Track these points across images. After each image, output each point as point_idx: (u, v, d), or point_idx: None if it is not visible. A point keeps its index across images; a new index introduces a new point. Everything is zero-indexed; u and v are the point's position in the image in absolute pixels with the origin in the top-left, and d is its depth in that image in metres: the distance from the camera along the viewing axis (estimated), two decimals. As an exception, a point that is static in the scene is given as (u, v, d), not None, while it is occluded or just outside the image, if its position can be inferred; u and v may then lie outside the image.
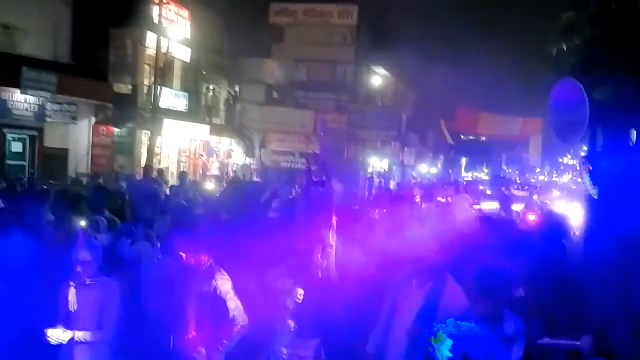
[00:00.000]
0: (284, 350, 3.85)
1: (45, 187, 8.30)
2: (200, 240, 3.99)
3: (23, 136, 14.09)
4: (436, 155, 34.60)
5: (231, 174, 19.50)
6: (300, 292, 3.82)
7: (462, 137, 32.71)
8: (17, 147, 14.05)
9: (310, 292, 3.80)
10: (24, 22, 13.91)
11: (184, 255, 3.82)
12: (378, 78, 26.85)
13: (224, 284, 3.74)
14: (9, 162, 13.41)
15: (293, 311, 3.83)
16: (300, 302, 3.82)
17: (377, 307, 3.75)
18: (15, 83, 13.02)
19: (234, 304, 3.70)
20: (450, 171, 34.47)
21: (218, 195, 9.73)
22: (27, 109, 13.88)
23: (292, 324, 3.82)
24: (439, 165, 35.14)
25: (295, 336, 3.84)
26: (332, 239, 4.08)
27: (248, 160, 21.83)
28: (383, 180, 23.16)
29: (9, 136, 13.82)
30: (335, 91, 23.60)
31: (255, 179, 19.13)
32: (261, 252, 4.20)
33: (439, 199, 13.35)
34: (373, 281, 4.11)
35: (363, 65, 25.13)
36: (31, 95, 13.56)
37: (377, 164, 26.64)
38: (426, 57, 23.05)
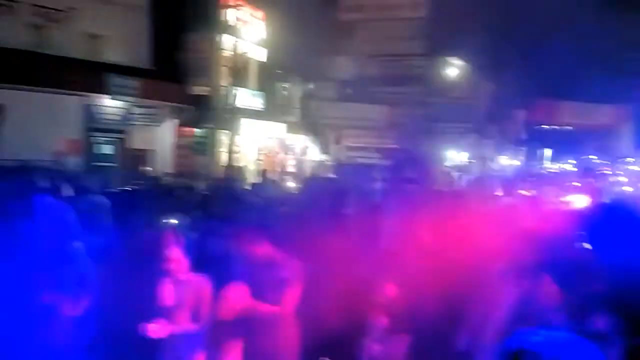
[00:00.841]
0: (375, 346, 3.80)
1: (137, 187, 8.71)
2: (281, 236, 4.03)
3: (111, 139, 14.93)
4: (517, 147, 33.27)
5: (307, 171, 19.68)
6: (391, 287, 3.75)
7: (545, 126, 31.22)
8: (106, 149, 14.92)
9: (401, 288, 3.72)
10: (107, 31, 14.68)
11: (267, 251, 3.87)
12: (453, 69, 26.14)
13: (297, 273, 3.80)
14: (99, 163, 14.23)
15: (384, 307, 3.77)
16: (391, 298, 3.75)
17: (467, 304, 3.62)
18: (103, 89, 13.81)
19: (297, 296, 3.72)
20: (534, 163, 32.97)
21: (297, 192, 9.81)
22: (114, 114, 14.69)
23: (382, 319, 3.76)
24: (521, 157, 33.72)
25: (386, 332, 3.78)
26: (422, 234, 3.98)
27: (323, 157, 21.93)
28: (462, 174, 22.53)
29: (99, 139, 14.68)
30: (409, 84, 23.23)
31: (330, 175, 19.18)
32: (344, 247, 4.16)
33: (522, 192, 12.78)
34: (463, 277, 3.97)
35: (436, 56, 24.55)
36: (117, 100, 14.32)
37: (454, 157, 25.97)
38: (503, 44, 22.17)
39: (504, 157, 31.60)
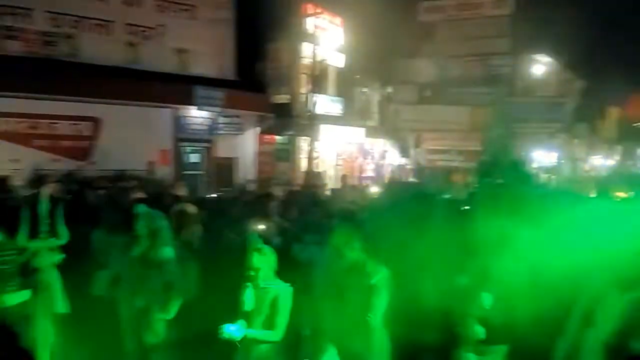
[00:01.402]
0: (470, 357, 3.67)
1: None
2: (365, 239, 3.99)
3: (198, 148, 15.60)
4: (611, 146, 31.18)
5: (386, 175, 19.52)
6: (487, 296, 3.59)
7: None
8: (194, 158, 15.60)
9: (498, 297, 3.56)
10: (194, 45, 15.36)
11: (349, 255, 3.85)
12: (539, 67, 24.97)
13: (385, 281, 3.74)
14: (187, 172, 14.88)
15: (479, 316, 3.62)
16: (487, 307, 3.60)
17: (567, 314, 3.41)
18: (190, 101, 14.47)
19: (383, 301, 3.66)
20: (629, 162, 30.74)
21: (378, 197, 9.73)
22: (201, 124, 15.35)
23: (478, 330, 3.62)
24: (616, 156, 31.56)
25: (482, 342, 3.63)
26: (517, 238, 3.79)
27: (403, 161, 21.67)
28: (551, 176, 21.44)
29: (187, 149, 15.38)
30: (492, 84, 22.45)
31: (411, 178, 18.92)
32: (431, 254, 4.06)
33: (618, 194, 11.92)
34: (563, 286, 3.74)
35: (521, 54, 23.56)
36: (204, 110, 14.94)
37: (543, 158, 24.76)
38: (593, 39, 20.90)
39: (597, 157, 29.73)
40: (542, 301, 3.57)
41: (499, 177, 4.55)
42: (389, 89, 22.73)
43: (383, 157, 21.31)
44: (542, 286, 3.67)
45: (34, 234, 3.67)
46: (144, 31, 14.64)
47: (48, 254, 3.63)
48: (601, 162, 29.46)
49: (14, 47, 12.65)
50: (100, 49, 13.57)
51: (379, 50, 19.64)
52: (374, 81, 21.68)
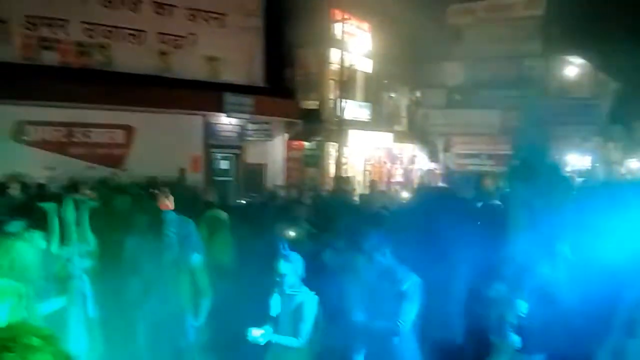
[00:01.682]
0: None
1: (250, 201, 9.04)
2: (396, 245, 3.97)
3: (228, 154, 15.77)
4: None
5: (415, 180, 19.38)
6: (523, 304, 3.52)
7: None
8: (224, 164, 15.78)
9: (535, 305, 3.48)
10: (224, 53, 15.56)
11: (383, 263, 3.83)
12: (572, 68, 24.46)
13: (416, 287, 3.71)
14: (217, 178, 15.05)
15: (515, 325, 3.55)
16: (523, 315, 3.52)
17: (608, 322, 3.31)
18: (221, 108, 14.66)
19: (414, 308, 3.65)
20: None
21: (407, 202, 9.66)
22: (230, 130, 15.52)
23: (514, 338, 3.54)
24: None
25: (518, 351, 3.56)
26: (556, 245, 3.71)
27: (432, 165, 21.49)
28: (585, 180, 20.92)
29: (218, 155, 15.56)
30: (524, 87, 22.08)
31: (440, 184, 18.73)
32: (464, 260, 4.01)
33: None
34: (603, 292, 3.64)
35: (554, 56, 23.12)
36: (233, 117, 15.11)
37: (577, 161, 24.20)
38: (628, 39, 20.35)
39: (633, 160, 28.88)
40: (581, 308, 3.48)
41: (534, 182, 4.44)
42: (418, 93, 22.60)
43: (412, 161, 21.17)
44: (582, 293, 3.59)
45: (64, 241, 3.77)
46: (175, 40, 14.90)
47: (79, 261, 3.71)
48: (638, 166, 28.61)
49: (51, 58, 13.04)
50: (133, 58, 13.87)
51: (407, 55, 19.56)
52: (402, 86, 21.59)
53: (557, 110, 21.44)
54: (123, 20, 14.01)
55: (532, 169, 4.87)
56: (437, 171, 20.80)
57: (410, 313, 3.73)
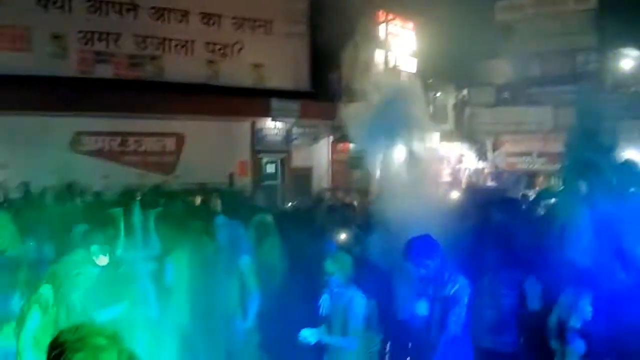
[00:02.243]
0: None
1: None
2: (445, 247, 3.94)
3: (275, 159, 15.97)
4: None
5: (463, 180, 19.03)
6: (588, 308, 3.40)
7: None
8: (270, 168, 15.99)
9: (601, 308, 3.35)
10: (269, 59, 15.78)
11: (433, 266, 3.81)
12: (628, 61, 23.45)
13: (464, 290, 3.67)
14: (265, 182, 15.27)
15: (580, 330, 3.43)
16: (589, 319, 3.40)
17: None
18: (267, 113, 14.88)
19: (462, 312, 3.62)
20: None
21: (456, 203, 9.53)
22: (276, 135, 15.72)
23: (579, 344, 3.42)
24: None
25: (584, 357, 3.44)
26: (623, 246, 3.57)
27: (480, 165, 21.06)
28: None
29: (264, 160, 15.80)
30: (576, 82, 21.34)
31: (490, 183, 18.34)
32: (518, 262, 3.92)
33: None
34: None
35: (609, 50, 22.23)
36: (279, 122, 15.30)
37: (635, 157, 23.11)
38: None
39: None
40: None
41: (597, 179, 4.26)
42: (464, 92, 22.20)
43: (459, 161, 20.81)
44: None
45: (129, 244, 3.94)
46: (222, 48, 15.24)
47: (143, 264, 3.88)
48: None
49: (105, 71, 13.58)
50: (182, 68, 14.28)
51: (453, 53, 19.27)
52: (449, 84, 21.27)
53: (614, 104, 20.60)
54: (172, 32, 14.44)
55: (593, 166, 4.70)
56: (486, 171, 20.38)
57: (458, 316, 3.69)
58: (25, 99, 11.36)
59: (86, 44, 13.40)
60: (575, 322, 3.41)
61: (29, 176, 10.23)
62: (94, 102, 12.10)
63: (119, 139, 13.37)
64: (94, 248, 3.64)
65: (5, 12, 12.16)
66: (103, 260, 3.61)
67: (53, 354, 1.86)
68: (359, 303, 4.00)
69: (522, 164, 18.11)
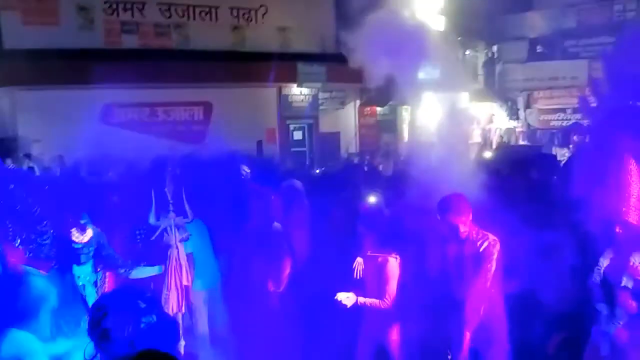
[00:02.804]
0: (622, 334, 3.40)
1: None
2: (480, 210, 3.90)
3: (302, 125, 15.91)
4: None
5: (495, 140, 18.68)
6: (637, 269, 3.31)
7: None
8: (297, 135, 15.97)
9: None
10: (294, 22, 15.54)
11: (466, 226, 3.77)
12: (669, 8, 22.27)
13: (494, 247, 3.65)
14: (293, 149, 15.27)
15: (632, 290, 3.33)
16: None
17: None
18: (293, 78, 14.75)
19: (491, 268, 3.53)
20: None
21: (487, 163, 9.37)
22: (303, 100, 15.62)
23: (630, 304, 3.33)
24: None
25: (636, 319, 3.35)
26: None
27: (512, 124, 20.60)
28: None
29: (291, 126, 15.76)
30: (613, 33, 20.40)
31: (521, 142, 17.97)
32: (557, 222, 3.84)
33: None
34: None
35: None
36: (306, 87, 15.17)
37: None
38: None
39: None
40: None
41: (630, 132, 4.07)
42: (495, 48, 21.55)
43: (490, 121, 20.38)
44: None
45: (162, 213, 4.02)
46: (246, 13, 15.06)
47: (176, 232, 3.96)
48: None
49: (131, 41, 13.62)
50: (208, 35, 14.21)
51: (482, 8, 18.63)
52: (478, 41, 20.65)
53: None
54: (197, -2, 14.33)
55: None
56: (518, 129, 19.93)
57: (487, 273, 3.67)
58: (55, 73, 11.52)
59: (112, 14, 13.42)
60: (627, 282, 3.33)
61: (62, 149, 10.44)
62: (121, 74, 12.18)
63: (147, 110, 13.49)
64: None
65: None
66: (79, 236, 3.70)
67: (95, 316, 1.93)
68: (394, 266, 4.02)
69: (557, 121, 17.60)
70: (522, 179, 5.96)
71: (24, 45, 12.01)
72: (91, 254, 3.73)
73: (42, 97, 11.72)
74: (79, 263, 3.67)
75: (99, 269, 3.81)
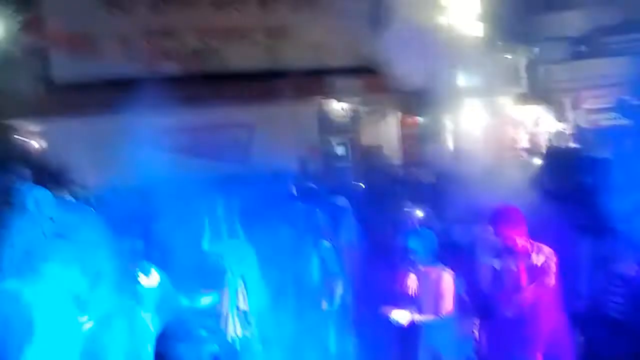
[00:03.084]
0: None
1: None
2: (532, 219, 3.77)
3: (344, 140, 15.89)
4: None
5: (543, 143, 18.15)
6: None
7: None
8: (340, 150, 15.94)
9: None
10: (328, 37, 15.59)
11: (518, 237, 3.65)
12: None
13: (551, 259, 3.50)
14: (336, 164, 15.25)
15: None
16: None
17: None
18: (331, 94, 14.79)
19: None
20: None
21: (537, 169, 9.11)
22: (343, 115, 15.62)
23: None
24: None
25: None
26: None
27: (560, 126, 20.00)
28: None
29: (333, 142, 15.76)
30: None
31: (572, 144, 17.38)
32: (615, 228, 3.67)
33: None
34: None
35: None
36: (345, 102, 15.18)
37: None
38: None
39: None
40: None
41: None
42: (536, 50, 21.05)
43: (536, 124, 19.85)
44: None
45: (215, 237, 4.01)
46: (280, 33, 15.25)
47: (230, 255, 3.95)
48: None
49: (171, 67, 13.98)
50: (244, 57, 14.44)
51: (521, 10, 18.28)
52: (518, 45, 20.23)
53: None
54: (231, 21, 14.62)
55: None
56: (567, 131, 19.32)
57: (547, 286, 3.53)
58: (102, 103, 11.93)
59: (151, 43, 13.84)
60: None
61: (114, 176, 10.76)
62: (165, 100, 12.51)
63: (191, 134, 13.77)
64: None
65: (73, 20, 12.78)
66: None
67: (158, 344, 1.95)
68: (448, 279, 3.92)
69: (607, 120, 16.96)
70: (575, 185, 5.75)
71: (71, 78, 12.53)
72: (156, 298, 3.71)
73: (92, 126, 12.15)
74: (143, 307, 3.63)
75: (162, 314, 3.76)
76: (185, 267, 4.24)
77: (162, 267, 3.96)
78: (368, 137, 16.13)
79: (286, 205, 4.92)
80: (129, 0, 13.53)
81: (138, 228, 4.26)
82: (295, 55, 15.00)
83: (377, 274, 4.59)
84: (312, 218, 4.74)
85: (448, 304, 3.89)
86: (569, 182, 6.12)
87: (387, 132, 16.71)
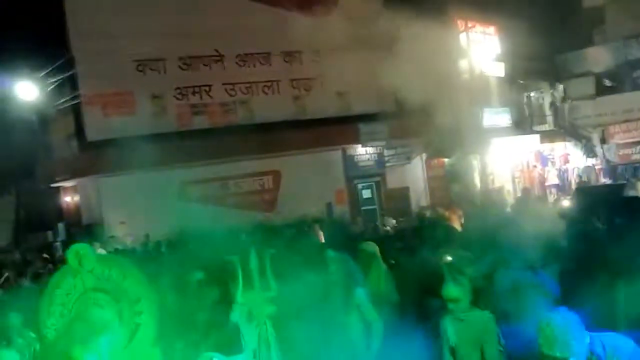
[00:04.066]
0: None
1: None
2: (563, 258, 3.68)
3: (370, 183, 15.93)
4: None
5: (573, 180, 17.86)
6: None
7: None
8: (366, 193, 15.96)
9: None
10: (352, 85, 15.89)
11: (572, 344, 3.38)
12: None
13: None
14: (362, 207, 15.24)
15: None
16: None
17: None
18: (356, 139, 14.95)
19: None
20: None
21: (569, 206, 8.94)
22: (368, 159, 15.73)
23: None
24: None
25: None
26: None
27: (589, 161, 19.68)
28: None
29: (359, 185, 15.81)
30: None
31: (602, 179, 17.08)
32: None
33: None
34: None
35: None
36: (370, 146, 15.31)
37: None
38: None
39: None
40: None
41: None
42: (560, 87, 21.00)
43: (566, 161, 19.58)
44: None
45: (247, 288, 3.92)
46: (305, 83, 15.60)
47: (263, 307, 3.85)
48: None
49: (201, 121, 14.39)
50: (270, 107, 14.79)
51: (543, 49, 18.38)
52: (541, 82, 20.25)
53: None
54: (258, 75, 15.06)
55: None
56: (597, 167, 19.00)
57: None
58: (134, 159, 12.25)
59: (182, 99, 14.31)
60: None
61: (146, 228, 10.96)
62: (194, 153, 12.83)
63: (220, 184, 14.00)
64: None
65: (109, 80, 13.31)
66: None
67: None
68: (490, 326, 3.76)
69: (637, 155, 16.66)
70: (606, 224, 5.61)
71: (104, 136, 12.96)
72: None
73: (124, 181, 12.47)
74: None
75: None
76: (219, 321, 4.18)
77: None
78: (394, 179, 16.14)
79: (316, 253, 4.89)
80: (160, 59, 14.05)
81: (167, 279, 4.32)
82: (320, 104, 15.29)
83: (410, 320, 4.49)
84: (346, 266, 4.69)
85: (494, 350, 3.69)
86: (601, 221, 6.00)
87: (413, 173, 16.71)
